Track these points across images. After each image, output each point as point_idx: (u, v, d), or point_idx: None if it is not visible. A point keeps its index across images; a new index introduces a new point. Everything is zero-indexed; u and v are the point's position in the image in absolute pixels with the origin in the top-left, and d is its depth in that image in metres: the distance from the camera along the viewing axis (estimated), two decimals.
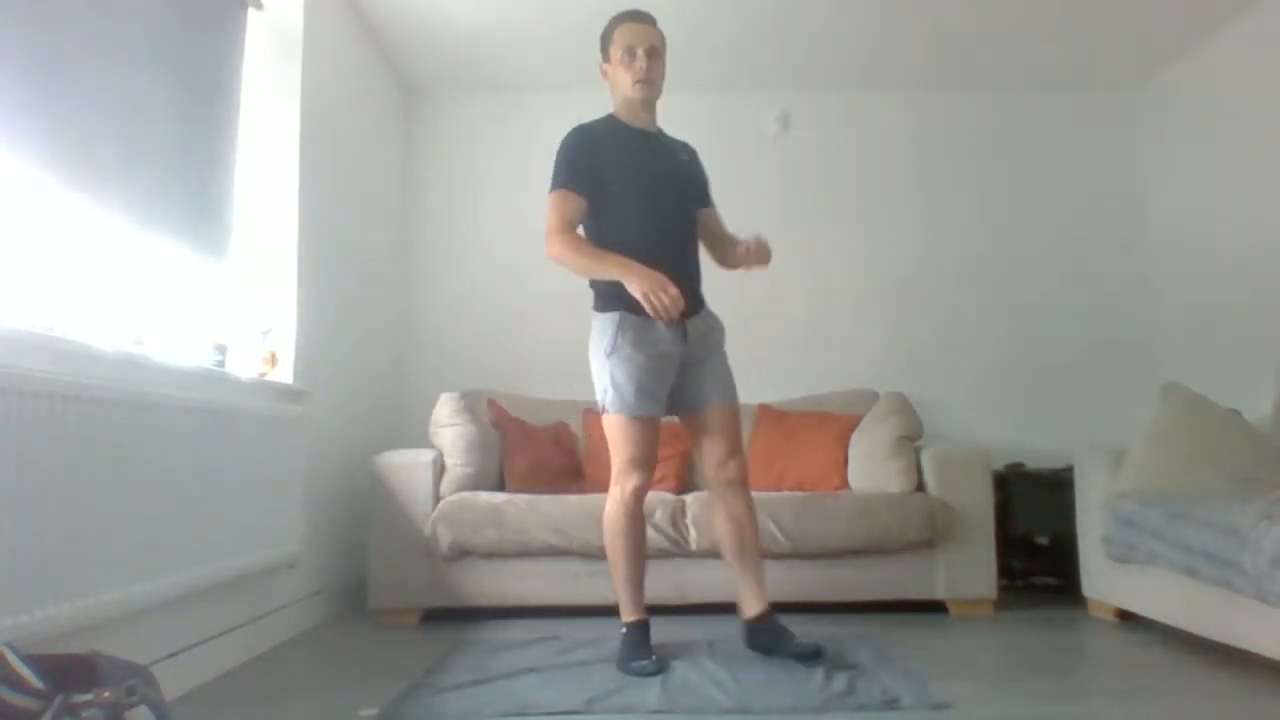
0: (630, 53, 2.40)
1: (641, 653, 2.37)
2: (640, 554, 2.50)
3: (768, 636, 2.44)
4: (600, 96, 4.33)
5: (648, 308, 2.24)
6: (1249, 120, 3.64)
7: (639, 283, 2.24)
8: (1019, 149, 4.36)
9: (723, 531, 2.55)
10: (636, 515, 2.47)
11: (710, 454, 2.49)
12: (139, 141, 2.33)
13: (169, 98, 2.47)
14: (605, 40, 2.47)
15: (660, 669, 2.30)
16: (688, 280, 2.43)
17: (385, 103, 4.07)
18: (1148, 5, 3.56)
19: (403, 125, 4.30)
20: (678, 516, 3.10)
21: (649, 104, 2.49)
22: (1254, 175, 3.60)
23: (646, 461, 2.44)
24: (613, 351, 2.38)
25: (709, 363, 2.48)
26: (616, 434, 2.42)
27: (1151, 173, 4.30)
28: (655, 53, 2.43)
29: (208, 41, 2.71)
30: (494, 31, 3.76)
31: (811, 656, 2.31)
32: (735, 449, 2.49)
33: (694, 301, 2.46)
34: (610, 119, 2.52)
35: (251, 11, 2.98)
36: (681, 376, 2.46)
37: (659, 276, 2.24)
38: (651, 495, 3.21)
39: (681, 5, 3.57)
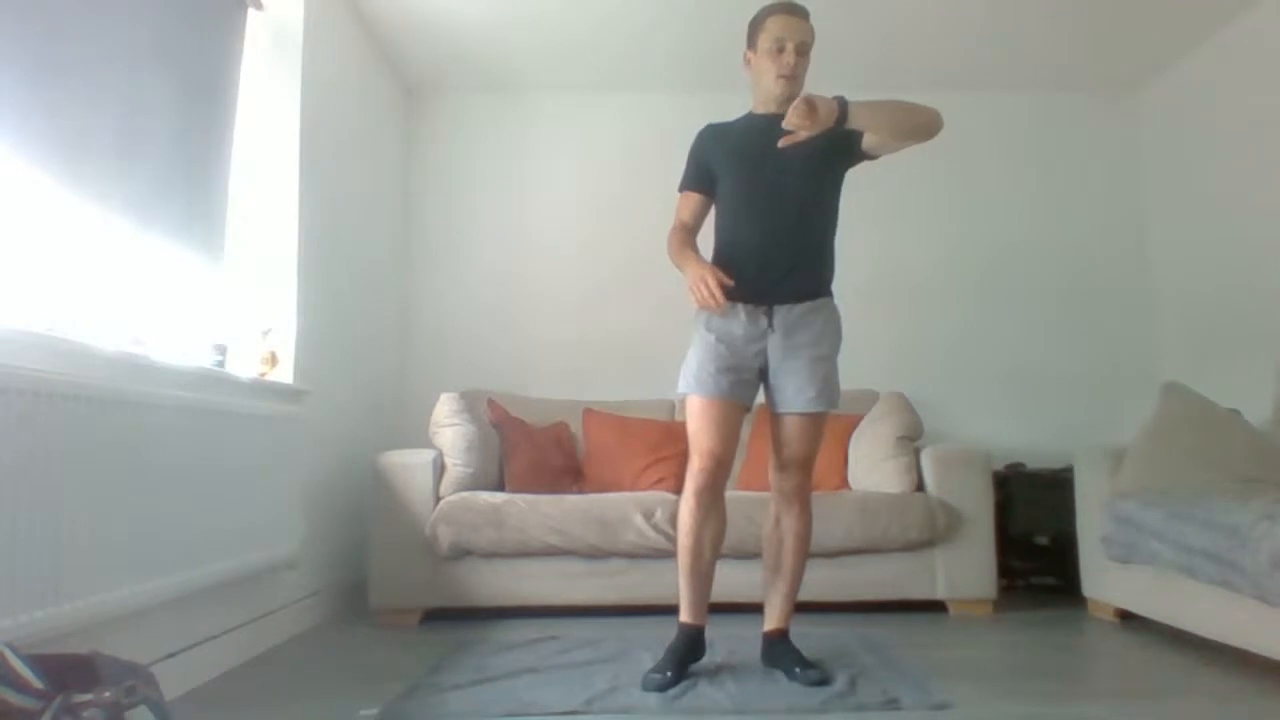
0: (780, 45, 2.33)
1: (664, 662, 2.26)
2: (698, 552, 2.32)
3: (774, 654, 2.37)
4: (598, 99, 4.37)
5: (692, 298, 2.20)
6: (1249, 121, 3.64)
7: (687, 274, 2.23)
8: (1019, 149, 4.36)
9: (766, 537, 2.47)
10: (700, 512, 2.31)
11: (773, 459, 2.42)
12: (139, 141, 2.33)
13: (169, 98, 2.47)
14: (754, 28, 2.39)
15: (665, 686, 2.17)
16: (790, 267, 2.29)
17: (385, 103, 4.07)
18: (1148, 5, 3.56)
19: (403, 125, 4.30)
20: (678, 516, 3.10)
21: (788, 100, 2.28)
22: (1254, 175, 3.60)
23: (709, 449, 2.28)
24: (695, 332, 2.38)
25: (796, 363, 2.30)
26: (687, 414, 2.37)
27: (1152, 173, 4.30)
28: (804, 49, 2.36)
29: (208, 41, 2.71)
30: (494, 31, 3.76)
31: (815, 684, 2.21)
32: (796, 462, 2.37)
33: (793, 289, 2.30)
34: (745, 116, 2.46)
35: (251, 11, 2.98)
36: (773, 372, 2.34)
37: (706, 268, 2.19)
38: (652, 495, 3.23)
39: (682, 5, 3.57)
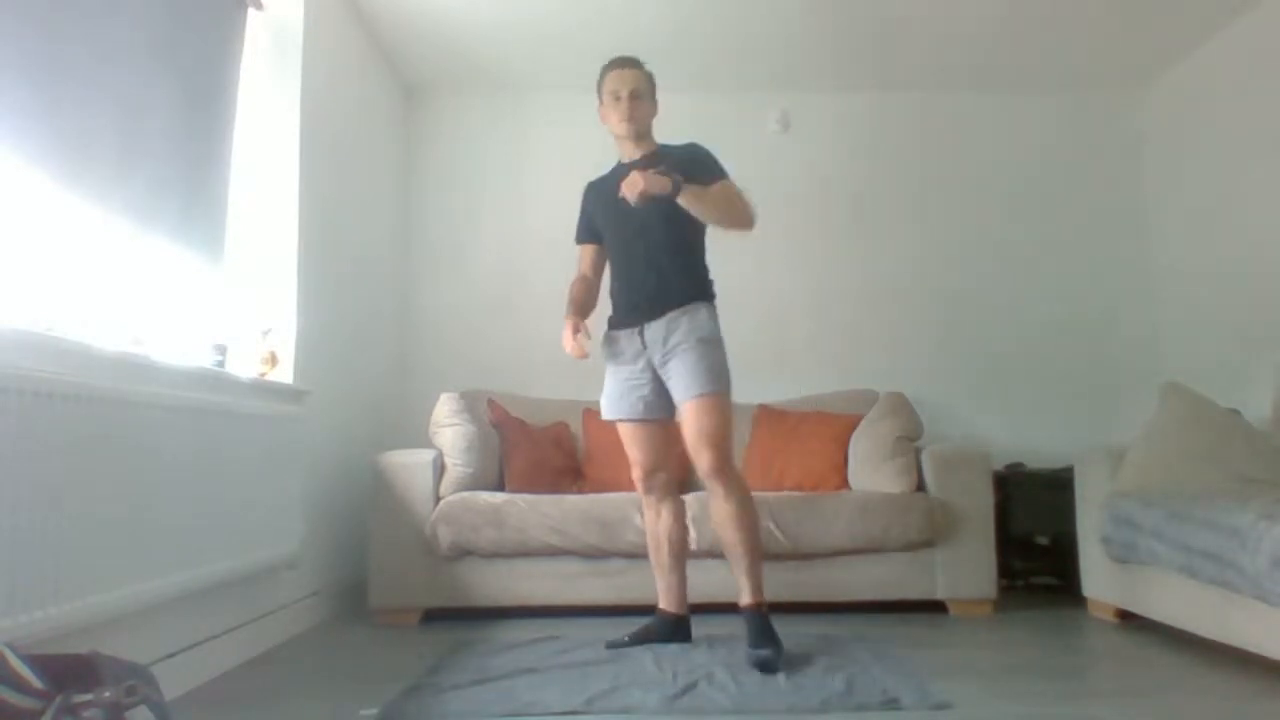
0: (615, 96, 2.63)
1: (632, 634, 2.67)
2: (657, 548, 2.75)
3: (745, 628, 2.53)
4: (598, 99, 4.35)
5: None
6: (1249, 121, 3.64)
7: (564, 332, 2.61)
8: (1019, 149, 4.36)
9: (712, 525, 2.70)
10: (650, 511, 2.76)
11: (688, 450, 2.56)
12: (139, 141, 2.33)
13: (169, 98, 2.47)
14: (598, 86, 2.70)
15: (617, 644, 2.60)
16: (651, 292, 2.58)
17: (385, 103, 4.07)
18: (1148, 6, 3.56)
19: (403, 125, 4.30)
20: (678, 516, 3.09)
21: (637, 136, 2.66)
22: (1254, 175, 3.60)
23: (640, 461, 2.69)
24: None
25: (673, 365, 2.54)
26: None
27: (1151, 173, 4.30)
28: (636, 94, 2.63)
29: (208, 41, 2.71)
30: (494, 31, 3.76)
31: (756, 665, 2.36)
32: (704, 441, 2.50)
33: (657, 308, 2.57)
34: (616, 167, 2.74)
35: (251, 11, 2.98)
36: (664, 380, 2.60)
37: (567, 327, 2.57)
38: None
39: (682, 6, 3.57)
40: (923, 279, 4.28)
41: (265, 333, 2.93)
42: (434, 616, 3.13)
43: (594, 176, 2.83)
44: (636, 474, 2.72)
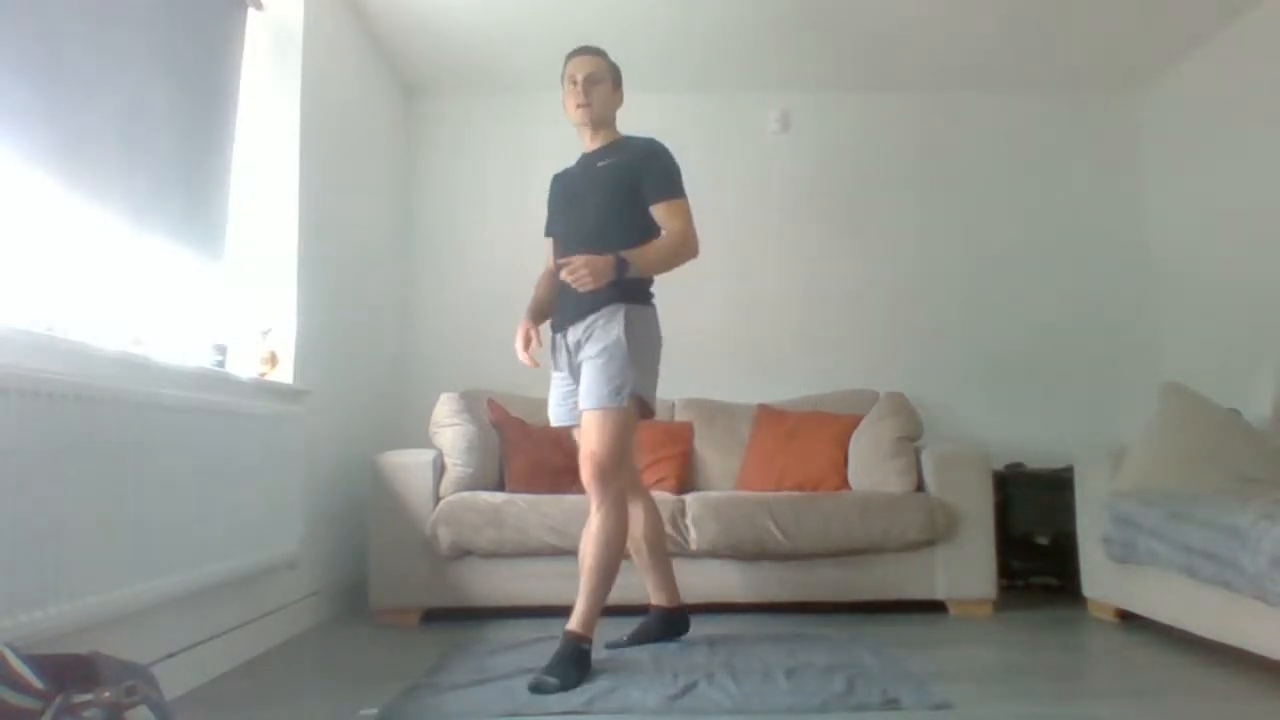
0: (572, 80, 2.58)
1: (628, 633, 2.67)
2: (636, 550, 2.70)
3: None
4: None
5: None
6: (1249, 121, 3.64)
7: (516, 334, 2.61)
8: (1019, 149, 4.36)
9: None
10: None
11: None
12: (138, 142, 2.33)
13: (169, 98, 2.47)
14: (561, 78, 2.64)
15: (613, 644, 2.61)
16: (575, 294, 2.42)
17: (385, 103, 4.07)
18: (1148, 6, 3.56)
19: (403, 125, 4.30)
20: (677, 516, 3.10)
21: (595, 125, 2.61)
22: (1254, 175, 3.60)
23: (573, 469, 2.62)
24: None
25: (582, 371, 2.49)
26: None
27: (1151, 173, 4.30)
28: (593, 79, 2.56)
29: (208, 42, 2.71)
30: (494, 31, 3.76)
31: (531, 688, 2.19)
32: (587, 456, 2.44)
33: (579, 310, 2.49)
34: (579, 158, 2.70)
35: (251, 11, 2.98)
36: None
37: (519, 332, 2.58)
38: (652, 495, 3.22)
39: (683, 6, 3.57)
40: (923, 279, 4.28)
41: (265, 333, 2.93)
42: (434, 616, 3.13)
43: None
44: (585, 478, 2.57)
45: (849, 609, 3.13)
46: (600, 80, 2.58)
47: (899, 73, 4.17)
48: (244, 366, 2.81)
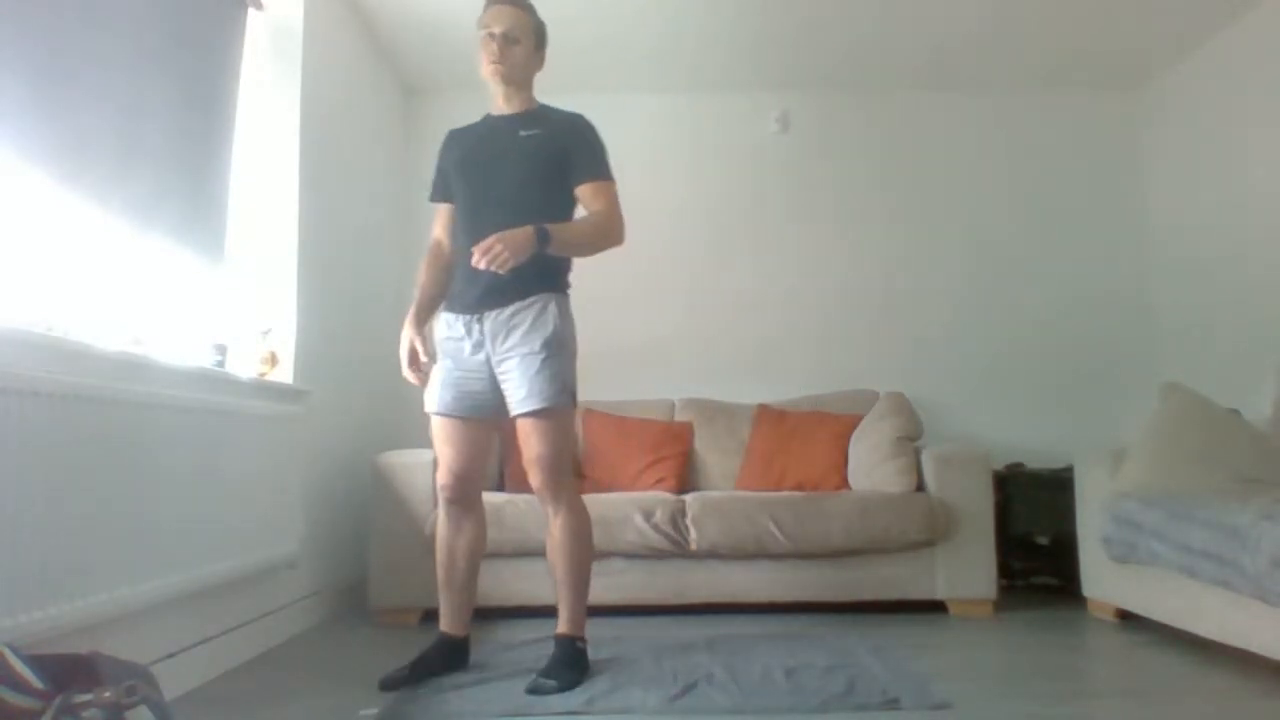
0: (488, 34, 2.29)
1: (411, 662, 2.29)
2: (451, 564, 2.38)
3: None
4: (597, 100, 4.35)
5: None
6: (1249, 120, 3.64)
7: (400, 347, 2.36)
8: (1019, 149, 4.36)
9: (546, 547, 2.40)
10: (450, 524, 2.39)
11: (524, 462, 2.34)
12: (138, 142, 2.33)
13: (169, 98, 2.47)
14: (477, 23, 2.35)
15: (394, 684, 2.20)
16: (493, 276, 2.18)
17: (385, 103, 4.07)
18: (1147, 5, 3.56)
19: (402, 125, 4.30)
20: (678, 516, 3.10)
21: (508, 83, 2.33)
22: (1254, 175, 3.61)
23: (452, 466, 2.34)
24: None
25: (509, 365, 2.25)
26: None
27: (1151, 173, 4.30)
28: (510, 37, 2.29)
29: (208, 41, 2.71)
30: None
31: (530, 692, 2.14)
32: (536, 463, 2.29)
33: (500, 294, 2.25)
34: (483, 119, 2.44)
35: (251, 11, 2.98)
36: (498, 378, 2.30)
37: (404, 346, 2.33)
38: (652, 495, 3.23)
39: (682, 6, 3.57)
40: (923, 279, 4.27)
41: (265, 333, 2.93)
42: (434, 616, 3.12)
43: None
44: (442, 481, 2.36)
45: (849, 609, 3.12)
46: (518, 39, 2.30)
47: (899, 72, 4.17)
48: (244, 366, 2.81)
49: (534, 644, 2.66)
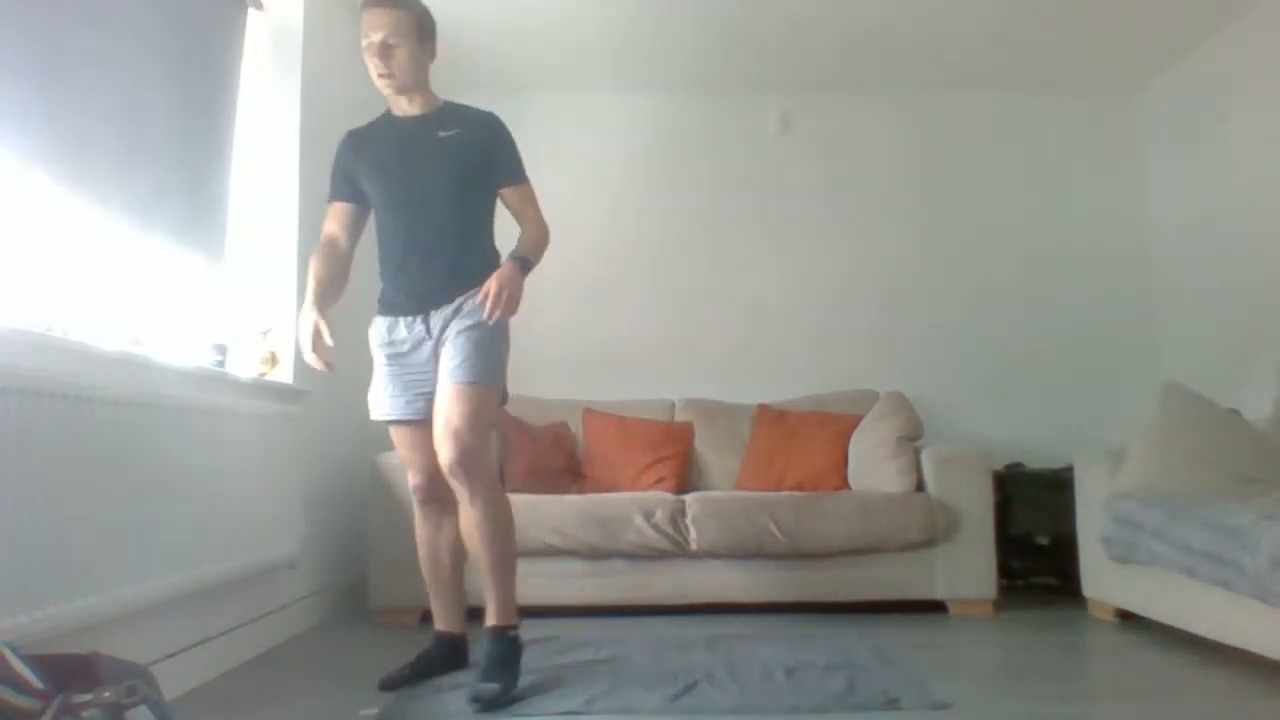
0: (368, 44, 2.22)
1: (410, 662, 2.29)
2: (436, 564, 2.39)
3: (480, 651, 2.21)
4: (598, 101, 4.36)
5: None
6: (1248, 122, 3.64)
7: (300, 318, 2.23)
8: (1019, 150, 4.36)
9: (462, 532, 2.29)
10: (428, 524, 2.40)
11: (434, 440, 2.18)
12: (138, 142, 2.33)
13: (168, 99, 2.47)
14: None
15: (393, 685, 2.19)
16: (437, 275, 2.25)
17: (386, 103, 4.06)
18: (1147, 7, 3.56)
19: None
20: (678, 516, 3.10)
21: (402, 91, 2.29)
22: (1253, 176, 3.60)
23: (423, 468, 2.32)
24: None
25: (446, 347, 2.22)
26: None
27: (1150, 174, 4.30)
28: (389, 44, 2.20)
29: (208, 42, 2.71)
30: (494, 32, 3.75)
31: (470, 700, 2.06)
32: (448, 431, 2.12)
33: (445, 293, 2.25)
34: (384, 115, 2.39)
35: (251, 11, 2.98)
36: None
37: (311, 329, 2.17)
38: (652, 495, 3.23)
39: (682, 6, 3.57)
40: (923, 279, 4.27)
41: (265, 333, 2.93)
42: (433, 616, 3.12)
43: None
44: (414, 482, 2.35)
45: (849, 609, 3.12)
46: (399, 43, 2.21)
47: (899, 73, 4.16)
48: (244, 366, 2.81)
49: (534, 644, 2.66)
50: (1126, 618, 2.96)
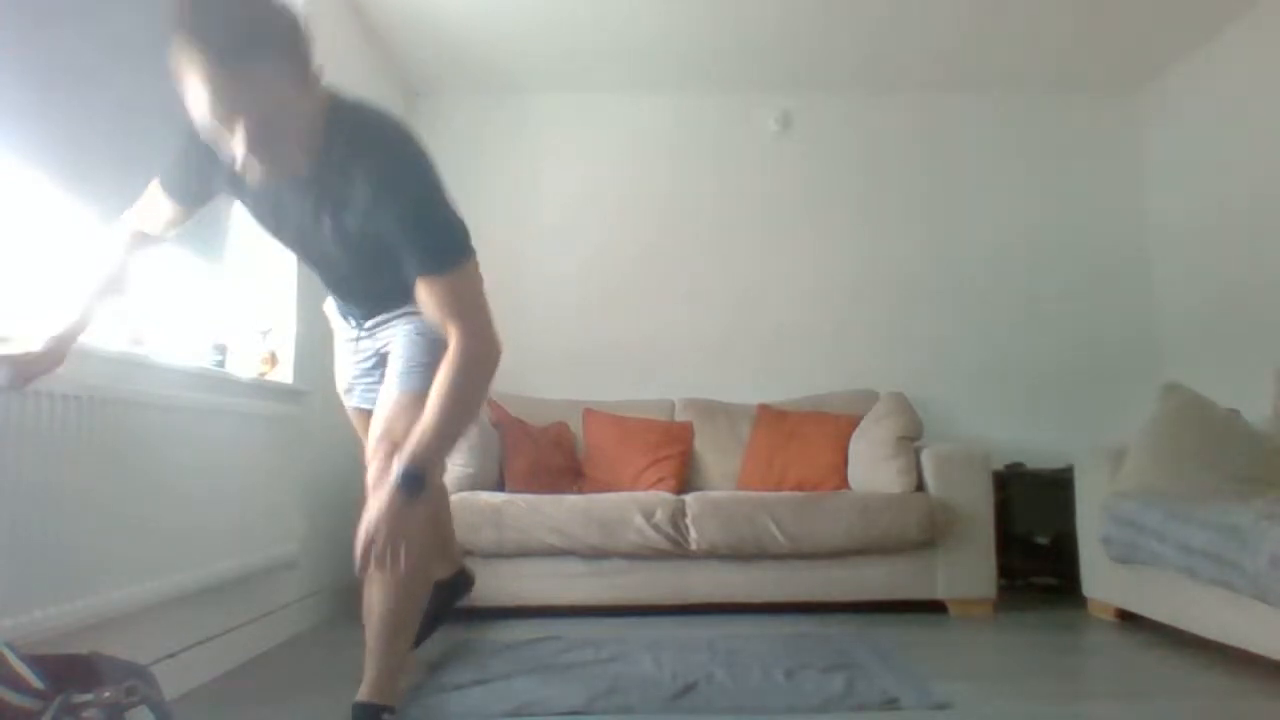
0: (207, 121, 1.42)
1: None
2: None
3: None
4: (599, 100, 4.37)
5: None
6: (1249, 121, 3.64)
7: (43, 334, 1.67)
8: (1019, 149, 4.36)
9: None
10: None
11: (368, 445, 1.86)
12: (139, 142, 2.32)
13: (169, 98, 2.47)
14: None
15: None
16: (367, 308, 1.97)
17: (386, 103, 4.04)
18: (1148, 6, 3.56)
19: None
20: (678, 516, 3.10)
21: (282, 166, 1.54)
22: (1253, 176, 3.60)
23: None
24: None
25: (396, 343, 1.91)
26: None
27: (1151, 173, 4.30)
28: (238, 108, 1.39)
29: None
30: (495, 32, 3.76)
31: None
32: (380, 447, 1.78)
33: (383, 308, 1.96)
34: None
35: None
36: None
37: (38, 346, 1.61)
38: (652, 495, 3.23)
39: (682, 6, 3.57)
40: (923, 279, 4.28)
41: (265, 333, 2.93)
42: None
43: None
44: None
45: (849, 609, 3.13)
46: (249, 107, 1.39)
47: (899, 73, 4.17)
48: (244, 366, 2.81)
49: (534, 644, 2.67)
50: (1126, 618, 2.95)
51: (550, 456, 3.55)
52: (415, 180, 1.61)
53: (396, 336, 1.91)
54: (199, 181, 1.76)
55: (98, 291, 1.74)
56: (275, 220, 1.76)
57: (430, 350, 1.80)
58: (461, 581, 2.53)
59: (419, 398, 1.70)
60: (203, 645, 2.29)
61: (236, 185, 1.71)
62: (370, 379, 2.07)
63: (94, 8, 2.14)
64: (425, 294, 1.61)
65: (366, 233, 1.65)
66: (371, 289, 1.91)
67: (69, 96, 2.03)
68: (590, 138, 4.35)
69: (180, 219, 1.85)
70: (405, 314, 1.91)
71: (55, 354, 1.60)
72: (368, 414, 2.02)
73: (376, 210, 1.59)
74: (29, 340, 1.62)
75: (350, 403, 2.19)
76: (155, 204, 1.81)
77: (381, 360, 1.99)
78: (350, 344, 2.10)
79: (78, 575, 1.72)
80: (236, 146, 1.42)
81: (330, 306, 2.15)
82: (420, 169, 1.61)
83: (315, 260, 1.86)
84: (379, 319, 1.98)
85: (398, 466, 1.57)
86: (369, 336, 2.03)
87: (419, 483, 1.56)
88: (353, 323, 2.06)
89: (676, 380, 4.08)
